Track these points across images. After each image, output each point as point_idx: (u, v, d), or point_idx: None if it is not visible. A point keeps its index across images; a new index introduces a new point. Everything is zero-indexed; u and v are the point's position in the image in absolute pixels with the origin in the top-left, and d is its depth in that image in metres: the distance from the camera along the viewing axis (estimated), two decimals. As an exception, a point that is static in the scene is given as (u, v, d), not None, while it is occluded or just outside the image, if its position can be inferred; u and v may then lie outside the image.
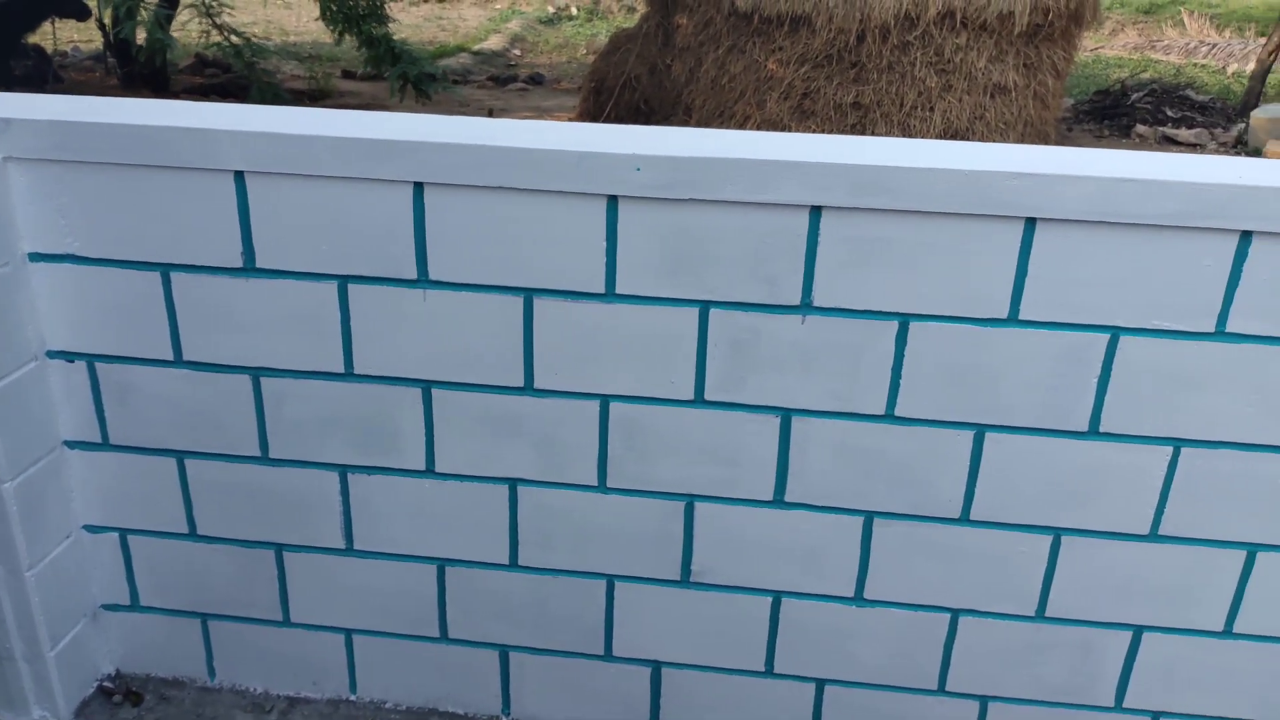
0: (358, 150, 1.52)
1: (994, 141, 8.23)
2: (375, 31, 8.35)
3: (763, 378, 1.60)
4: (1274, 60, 11.35)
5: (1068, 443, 1.57)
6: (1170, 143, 10.53)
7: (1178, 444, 1.55)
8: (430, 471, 1.73)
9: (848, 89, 8.07)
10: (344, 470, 1.76)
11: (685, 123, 8.89)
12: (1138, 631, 1.68)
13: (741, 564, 1.73)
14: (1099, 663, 1.71)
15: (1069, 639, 1.70)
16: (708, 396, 1.62)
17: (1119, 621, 1.68)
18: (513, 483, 1.72)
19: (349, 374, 1.68)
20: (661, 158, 1.48)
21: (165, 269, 1.64)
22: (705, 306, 1.56)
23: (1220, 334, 1.49)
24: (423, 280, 1.59)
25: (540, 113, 10.72)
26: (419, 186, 1.54)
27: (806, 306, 1.55)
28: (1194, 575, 1.63)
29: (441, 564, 1.81)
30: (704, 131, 1.60)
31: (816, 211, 1.50)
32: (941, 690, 1.78)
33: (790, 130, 8.46)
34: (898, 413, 1.59)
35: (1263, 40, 11.89)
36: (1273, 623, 1.65)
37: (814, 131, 8.33)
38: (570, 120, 9.98)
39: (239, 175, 1.56)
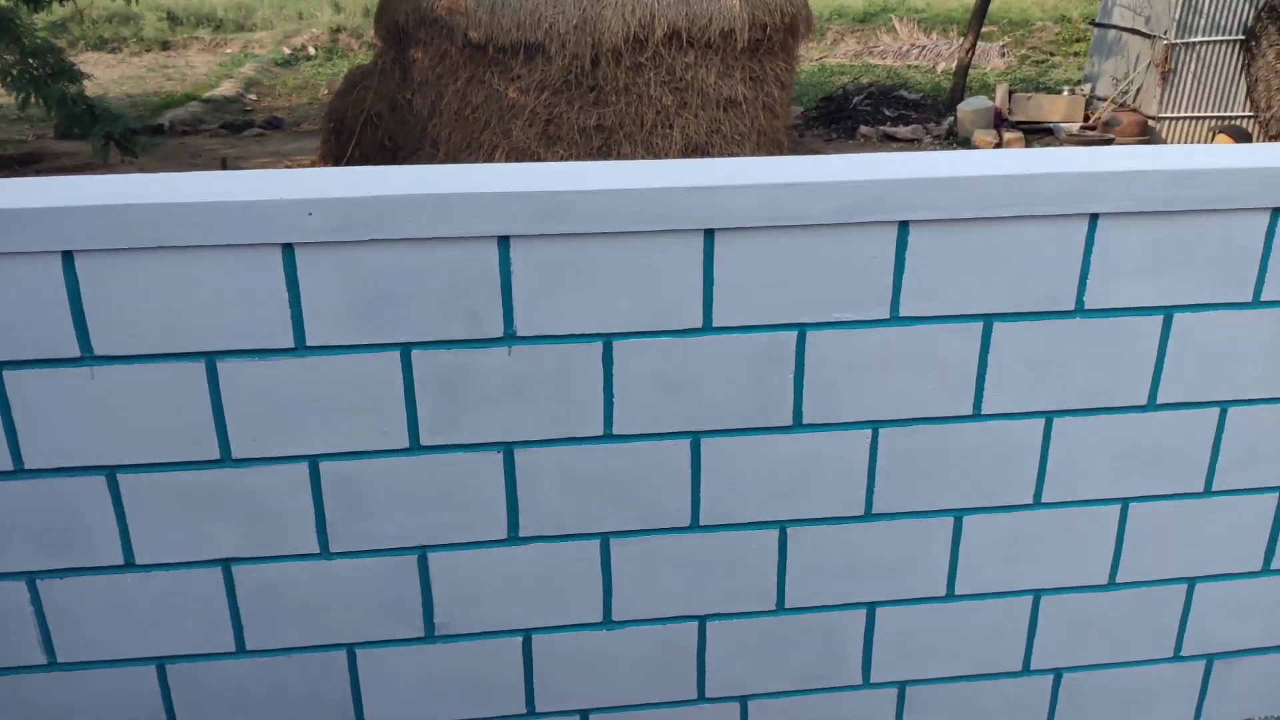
0: (-11, 224, 1.37)
1: (732, 153, 8.62)
2: (68, 90, 7.75)
3: (478, 415, 1.56)
4: (971, 58, 12.53)
5: (777, 438, 1.63)
6: (890, 140, 11.40)
7: (875, 426, 1.64)
8: (130, 565, 1.58)
9: (589, 112, 8.23)
10: (31, 577, 1.58)
11: (433, 156, 8.78)
12: (870, 608, 1.76)
13: (486, 608, 1.68)
14: (842, 644, 1.78)
15: (811, 626, 1.76)
16: (423, 442, 1.56)
17: (852, 602, 1.75)
18: (225, 563, 1.59)
19: (20, 470, 1.51)
20: (333, 200, 1.42)
21: None
22: (406, 349, 1.51)
23: (895, 319, 1.58)
24: (87, 358, 1.45)
25: (280, 158, 10.30)
26: (68, 255, 1.40)
27: (510, 337, 1.52)
28: (912, 547, 1.73)
29: (160, 662, 1.65)
30: (381, 170, 1.55)
31: (505, 241, 1.48)
32: (702, 698, 1.80)
33: (540, 157, 8.53)
34: (615, 431, 1.59)
35: (963, 40, 13.08)
36: (986, 580, 1.77)
37: (563, 156, 8.43)
38: (313, 163, 9.64)
39: None
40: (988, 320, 1.60)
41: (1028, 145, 10.85)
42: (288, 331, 1.47)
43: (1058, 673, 1.85)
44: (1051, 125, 11.41)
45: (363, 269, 1.46)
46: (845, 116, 11.92)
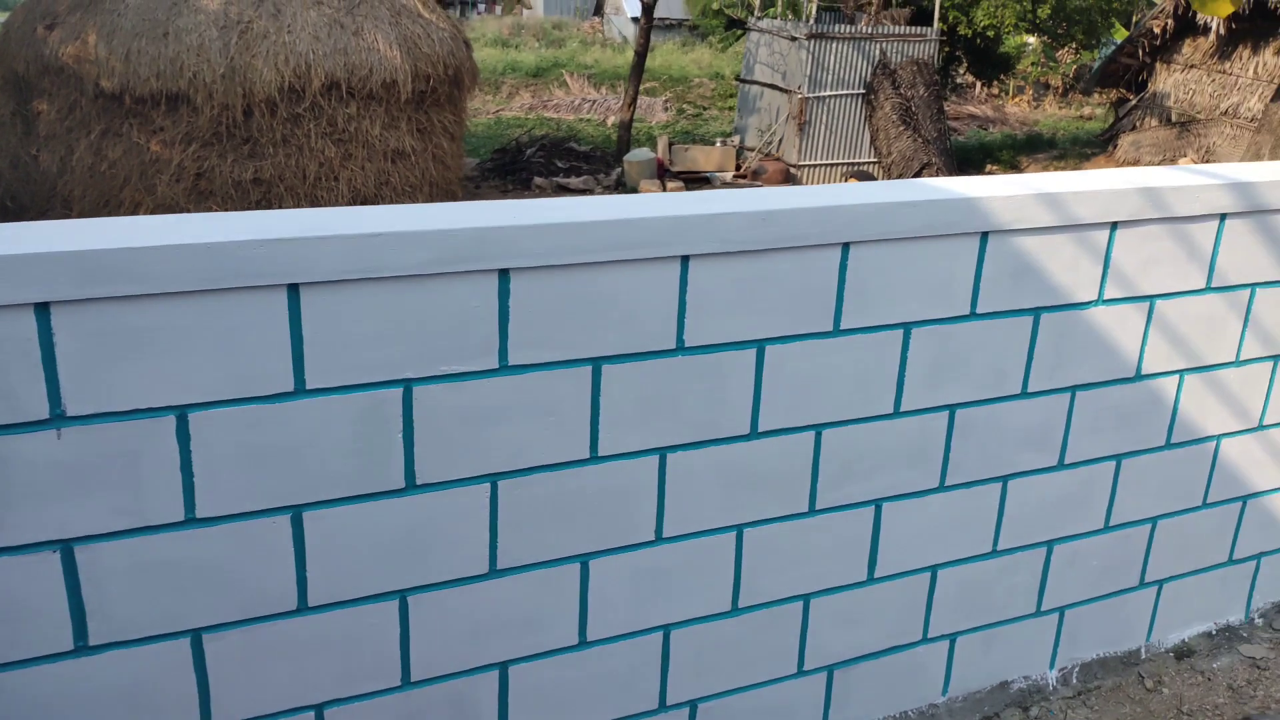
0: None
1: (403, 204, 8.46)
2: None
3: (27, 511, 1.34)
4: (632, 113, 13.19)
5: (390, 502, 1.54)
6: (564, 190, 11.72)
7: (494, 479, 1.59)
8: None
9: (245, 165, 7.75)
10: None
11: (65, 216, 7.88)
12: (503, 668, 1.70)
13: (55, 734, 1.44)
14: (475, 709, 1.70)
15: (441, 696, 1.66)
16: (-48, 550, 1.32)
17: (483, 664, 1.68)
18: None
19: None
20: None
21: None
22: (-79, 442, 1.27)
23: (505, 368, 1.55)
24: None
25: None
26: None
27: (59, 418, 1.32)
28: (541, 599, 1.69)
29: None
30: (-124, 232, 1.30)
31: (44, 309, 1.29)
32: (331, 793, 1.65)
33: (189, 213, 7.91)
34: (199, 514, 1.43)
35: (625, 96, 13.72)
36: (618, 622, 1.76)
37: (216, 212, 7.87)
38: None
39: None
40: (596, 364, 1.61)
41: (690, 193, 11.51)
42: None
43: (693, 704, 1.87)
44: (709, 174, 12.24)
45: None
46: (520, 168, 12.10)
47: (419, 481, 1.55)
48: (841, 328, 1.75)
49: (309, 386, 1.44)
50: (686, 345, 1.65)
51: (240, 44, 7.68)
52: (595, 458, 1.65)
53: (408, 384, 1.50)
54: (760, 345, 1.70)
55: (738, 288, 1.66)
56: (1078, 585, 2.21)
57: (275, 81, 7.58)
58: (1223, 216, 2.00)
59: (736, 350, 1.69)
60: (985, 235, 1.79)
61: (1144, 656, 2.39)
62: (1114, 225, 1.89)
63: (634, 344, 1.62)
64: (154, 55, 7.61)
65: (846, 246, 1.71)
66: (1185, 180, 1.94)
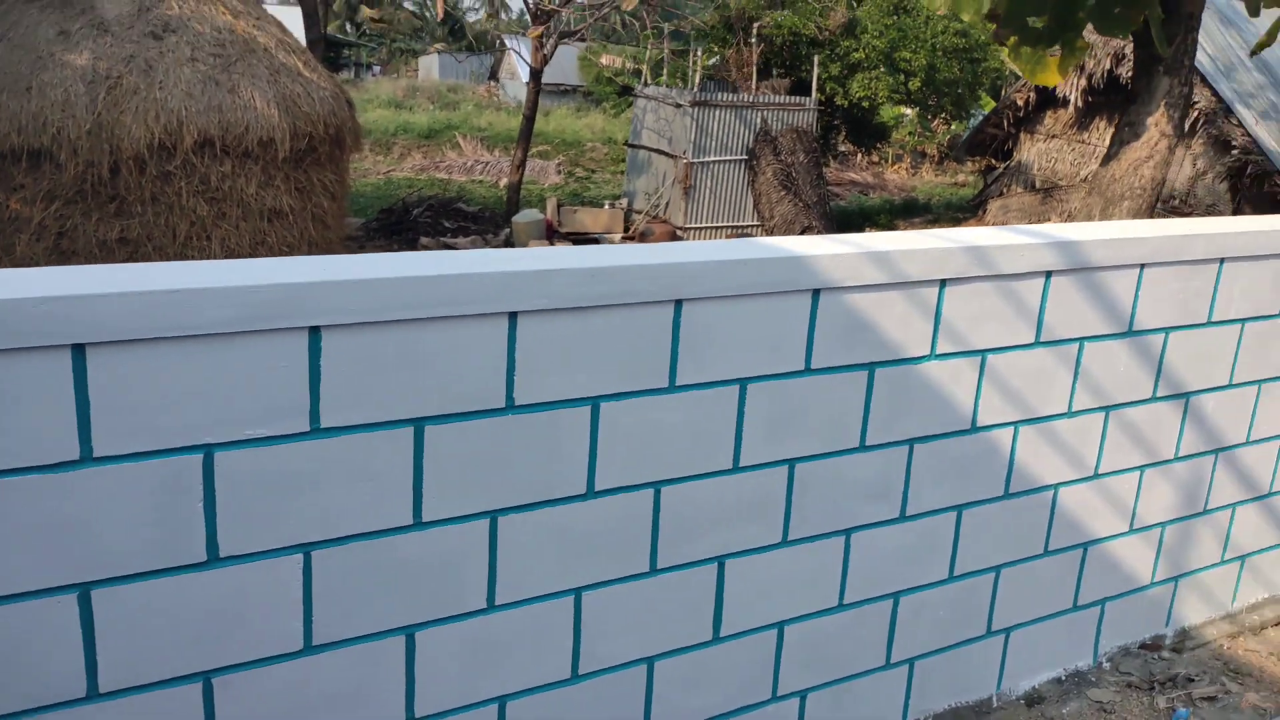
0: None
1: (278, 264, 8.24)
2: None
3: None
4: (521, 175, 13.23)
5: (191, 577, 1.44)
6: (451, 250, 11.63)
7: (306, 549, 1.51)
8: None
9: (110, 224, 7.46)
10: None
11: (-91, 278, 7.43)
12: (323, 751, 1.60)
13: None
14: (295, 798, 1.59)
15: (255, 785, 1.55)
16: None
17: (301, 747, 1.58)
18: None
19: None
20: None
21: None
22: None
23: (317, 431, 1.48)
24: None
25: None
26: None
27: None
28: (363, 674, 1.60)
29: None
30: None
31: None
32: None
33: (51, 274, 7.54)
34: (-28, 595, 1.31)
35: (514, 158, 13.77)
36: (449, 696, 1.68)
37: (81, 273, 7.53)
38: None
39: None
40: (419, 424, 1.55)
41: (579, 253, 11.52)
42: None
43: (532, 780, 1.80)
44: (597, 236, 12.32)
45: None
46: (407, 228, 11.97)
47: (223, 554, 1.45)
48: (677, 384, 1.73)
49: (96, 454, 1.35)
50: (517, 404, 1.61)
51: (108, 100, 7.43)
52: (419, 523, 1.58)
53: (209, 449, 1.41)
54: (595, 402, 1.67)
55: (570, 345, 1.63)
56: (926, 636, 2.22)
57: (145, 138, 7.34)
58: (1048, 274, 2.07)
59: (570, 408, 1.65)
60: (817, 292, 1.80)
61: (995, 705, 2.41)
62: (943, 282, 1.94)
63: (460, 403, 1.57)
64: (15, 110, 7.30)
65: (679, 303, 1.70)
66: (1010, 239, 2.01)
